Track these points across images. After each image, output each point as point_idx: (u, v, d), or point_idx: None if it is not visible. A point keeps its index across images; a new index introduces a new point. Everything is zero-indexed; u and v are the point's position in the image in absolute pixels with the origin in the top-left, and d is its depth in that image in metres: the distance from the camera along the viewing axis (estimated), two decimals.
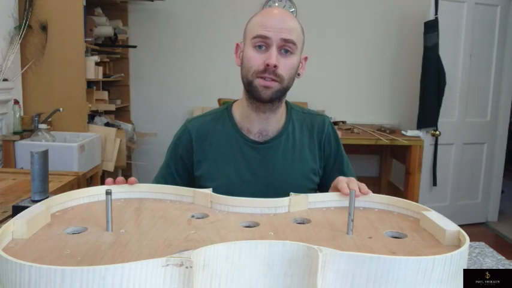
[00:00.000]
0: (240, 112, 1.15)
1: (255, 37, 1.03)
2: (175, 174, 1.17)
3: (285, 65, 1.04)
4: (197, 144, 1.14)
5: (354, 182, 0.92)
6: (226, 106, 1.20)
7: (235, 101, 1.20)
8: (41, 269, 0.51)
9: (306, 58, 1.14)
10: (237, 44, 1.13)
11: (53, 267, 0.51)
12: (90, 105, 2.75)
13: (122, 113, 3.51)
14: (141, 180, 0.90)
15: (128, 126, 3.30)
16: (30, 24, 2.49)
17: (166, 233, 0.71)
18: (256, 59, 1.03)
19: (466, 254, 0.64)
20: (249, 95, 1.08)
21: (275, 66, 1.01)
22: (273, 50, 1.01)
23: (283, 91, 1.07)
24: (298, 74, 1.11)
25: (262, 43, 1.03)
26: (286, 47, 1.03)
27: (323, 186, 1.21)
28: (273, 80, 1.03)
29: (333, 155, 1.20)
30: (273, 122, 1.13)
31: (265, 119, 1.12)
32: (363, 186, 0.91)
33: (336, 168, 1.20)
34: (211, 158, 1.13)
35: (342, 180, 0.93)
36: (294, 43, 1.03)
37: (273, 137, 1.14)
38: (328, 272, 0.58)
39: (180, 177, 1.16)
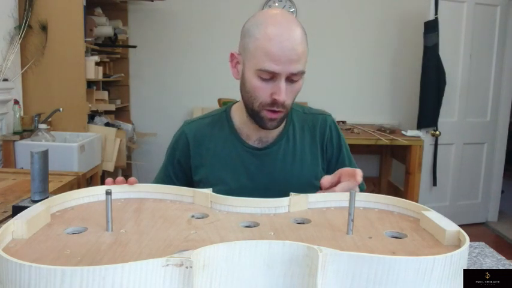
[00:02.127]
0: (240, 117, 1.12)
1: (261, 70, 0.94)
2: (174, 178, 1.15)
3: (291, 93, 0.99)
4: (194, 148, 1.12)
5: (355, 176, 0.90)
6: (225, 108, 1.16)
7: (235, 102, 1.17)
8: (41, 269, 0.51)
9: None
10: (232, 54, 1.04)
11: (53, 267, 0.51)
12: (90, 105, 2.75)
13: (122, 113, 3.51)
14: (141, 180, 0.89)
15: (128, 126, 3.30)
16: (30, 24, 2.49)
17: (166, 233, 0.71)
18: (262, 90, 0.97)
19: (466, 254, 0.64)
20: (254, 120, 1.04)
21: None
22: (282, 84, 0.95)
23: (287, 115, 1.05)
24: None
25: (269, 76, 0.95)
26: (294, 78, 0.96)
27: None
28: (279, 111, 0.99)
29: (335, 155, 1.17)
30: (273, 130, 1.10)
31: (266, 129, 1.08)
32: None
33: (339, 168, 1.16)
34: (209, 163, 1.10)
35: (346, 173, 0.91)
36: (302, 72, 0.96)
37: (272, 142, 1.11)
38: (328, 272, 0.57)
39: (178, 181, 1.14)
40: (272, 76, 0.95)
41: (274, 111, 0.99)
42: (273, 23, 0.95)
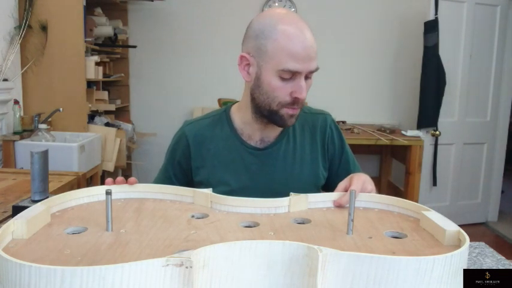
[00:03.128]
0: (241, 118, 1.11)
1: (284, 70, 0.95)
2: (174, 179, 1.14)
3: (307, 88, 1.00)
4: (195, 150, 1.11)
5: (359, 182, 0.91)
6: (224, 109, 1.16)
7: (234, 103, 1.16)
8: (41, 269, 0.51)
9: None
10: (243, 57, 1.02)
11: (52, 267, 0.51)
12: (90, 105, 2.75)
13: (122, 113, 3.51)
14: (141, 180, 0.90)
15: (127, 126, 3.30)
16: (30, 24, 2.49)
17: (166, 233, 0.71)
18: (282, 90, 0.98)
19: (466, 254, 0.64)
20: (271, 120, 1.04)
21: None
22: (303, 83, 0.97)
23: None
24: None
25: (290, 75, 0.97)
26: (309, 75, 1.00)
27: (330, 188, 1.14)
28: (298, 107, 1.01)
29: (337, 155, 1.17)
30: (275, 129, 1.10)
31: (270, 127, 1.09)
32: (369, 187, 0.91)
33: (342, 168, 1.16)
34: (210, 164, 1.10)
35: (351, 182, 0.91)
36: (318, 69, 1.00)
37: (273, 142, 1.11)
38: (328, 272, 0.58)
39: (178, 182, 1.13)
40: (292, 75, 0.96)
41: (293, 108, 1.01)
42: (287, 23, 0.96)
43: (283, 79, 0.97)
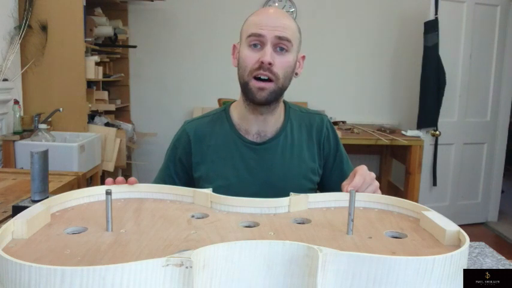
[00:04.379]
0: (238, 113, 1.15)
1: (249, 35, 1.03)
2: (175, 176, 1.16)
3: (280, 63, 1.03)
4: (195, 146, 1.14)
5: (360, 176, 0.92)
6: (224, 107, 1.20)
7: (234, 101, 1.20)
8: (41, 269, 0.51)
9: (303, 57, 1.13)
10: (234, 45, 1.13)
11: (53, 267, 0.51)
12: (90, 105, 2.75)
13: (122, 113, 3.51)
14: (141, 180, 0.90)
15: (127, 126, 3.30)
16: (30, 24, 2.49)
17: (166, 233, 0.71)
18: (251, 58, 1.03)
19: (466, 254, 0.64)
20: (245, 96, 1.08)
21: (270, 63, 1.01)
22: (268, 48, 1.01)
23: (279, 91, 1.06)
24: (296, 74, 1.10)
25: (257, 41, 1.03)
26: (281, 45, 1.03)
27: (324, 186, 1.21)
28: (268, 79, 1.03)
29: (332, 154, 1.20)
30: (271, 123, 1.13)
31: (263, 120, 1.12)
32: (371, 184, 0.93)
33: (336, 167, 1.20)
34: (210, 159, 1.13)
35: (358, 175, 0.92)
36: (288, 40, 1.03)
37: (271, 138, 1.14)
38: (328, 272, 0.57)
39: (179, 179, 1.16)
40: (260, 43, 1.03)
41: (262, 81, 1.03)
42: (264, 8, 1.12)
43: (252, 48, 1.03)
